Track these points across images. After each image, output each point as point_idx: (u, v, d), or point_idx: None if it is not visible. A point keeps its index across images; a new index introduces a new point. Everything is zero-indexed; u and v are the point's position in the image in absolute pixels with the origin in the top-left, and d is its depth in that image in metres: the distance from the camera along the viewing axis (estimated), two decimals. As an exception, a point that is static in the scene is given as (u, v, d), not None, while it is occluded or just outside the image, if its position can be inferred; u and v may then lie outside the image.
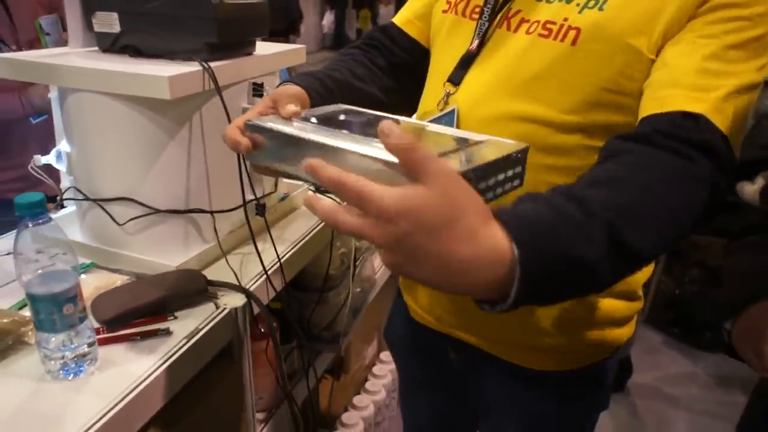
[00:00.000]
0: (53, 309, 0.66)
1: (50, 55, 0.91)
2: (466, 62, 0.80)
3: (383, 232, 0.44)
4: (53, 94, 0.97)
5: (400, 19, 0.95)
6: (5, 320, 0.73)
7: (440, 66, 0.85)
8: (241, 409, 0.92)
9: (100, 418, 0.64)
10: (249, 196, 0.91)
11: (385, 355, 1.96)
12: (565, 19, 0.71)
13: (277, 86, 0.78)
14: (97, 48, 0.97)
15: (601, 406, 0.95)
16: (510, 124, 0.74)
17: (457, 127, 0.77)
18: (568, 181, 0.62)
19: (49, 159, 0.96)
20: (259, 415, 1.09)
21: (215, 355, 0.84)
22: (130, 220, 0.90)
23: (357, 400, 1.74)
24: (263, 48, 1.04)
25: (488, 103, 0.76)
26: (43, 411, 0.65)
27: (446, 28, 0.85)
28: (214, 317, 0.83)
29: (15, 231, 1.02)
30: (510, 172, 0.56)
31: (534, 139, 0.70)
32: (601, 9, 0.69)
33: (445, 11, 0.86)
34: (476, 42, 0.79)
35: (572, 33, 0.70)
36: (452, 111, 0.79)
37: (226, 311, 0.84)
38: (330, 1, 8.18)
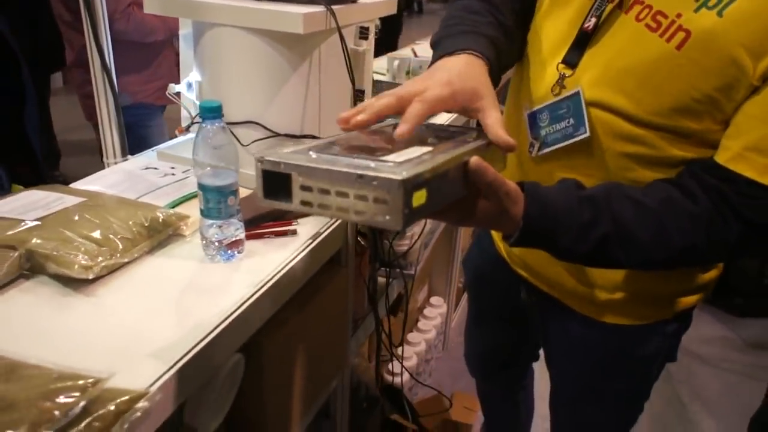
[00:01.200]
0: (220, 198, 0.79)
1: (190, -6, 1.04)
2: (582, 42, 0.75)
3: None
4: (183, 32, 1.10)
5: None
6: (168, 214, 0.88)
7: (546, 35, 0.82)
8: (344, 309, 1.06)
9: (257, 291, 0.78)
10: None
11: (435, 300, 2.10)
12: (678, 15, 0.67)
13: (444, 54, 0.70)
14: (223, -9, 1.09)
15: (665, 359, 0.98)
16: (592, 110, 0.75)
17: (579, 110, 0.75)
18: (640, 166, 0.75)
19: (181, 88, 1.09)
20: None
21: (327, 261, 0.98)
22: (253, 142, 1.04)
23: (410, 336, 1.90)
24: (364, -2, 1.16)
25: (587, 87, 0.75)
26: (211, 282, 0.80)
27: None
28: (331, 225, 0.96)
29: (149, 151, 1.17)
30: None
31: (611, 127, 0.74)
32: (719, 14, 0.64)
33: None
34: (593, 20, 0.74)
35: (680, 35, 0.66)
36: (577, 94, 0.75)
37: (338, 221, 0.98)
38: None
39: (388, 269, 1.34)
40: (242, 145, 1.04)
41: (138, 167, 1.08)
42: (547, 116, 0.80)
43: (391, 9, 1.25)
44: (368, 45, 1.11)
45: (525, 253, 0.96)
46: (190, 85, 1.09)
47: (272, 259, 0.86)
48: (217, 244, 0.83)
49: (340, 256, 1.02)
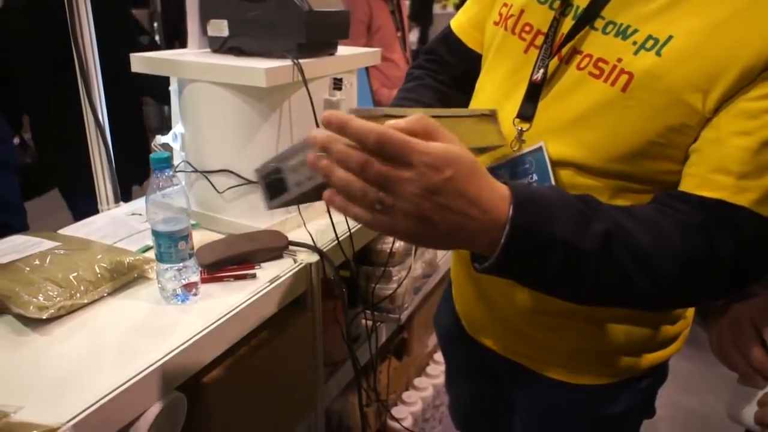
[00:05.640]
0: (171, 244, 0.84)
1: (174, 54, 1.12)
2: (534, 94, 0.75)
3: (425, 182, 0.50)
4: (173, 87, 1.18)
5: (456, 25, 0.94)
6: (135, 258, 0.93)
7: (490, 92, 0.83)
8: (311, 353, 1.07)
9: (201, 332, 0.81)
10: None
11: (447, 345, 2.07)
12: (619, 60, 0.67)
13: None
14: (209, 49, 1.17)
15: (640, 415, 0.94)
16: (554, 168, 0.73)
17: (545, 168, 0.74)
18: None
19: (167, 139, 1.17)
20: (325, 370, 1.24)
21: (291, 303, 1.00)
22: (228, 189, 1.09)
23: (417, 381, 1.87)
24: (344, 50, 1.21)
25: (546, 140, 0.74)
26: (161, 323, 0.83)
27: (496, 44, 0.82)
28: (292, 269, 0.99)
29: (141, 199, 1.23)
30: None
31: (573, 179, 0.72)
32: (658, 54, 0.65)
33: (496, 23, 0.83)
34: (541, 71, 0.74)
35: (624, 77, 0.66)
36: (540, 149, 0.74)
37: (302, 265, 1.00)
38: (415, 18, 8.39)
39: (373, 312, 1.35)
40: (218, 192, 1.10)
41: (125, 213, 1.16)
42: (508, 172, 0.78)
43: (374, 60, 1.30)
44: (343, 95, 1.16)
45: (483, 316, 0.94)
46: (175, 137, 1.16)
47: (226, 302, 0.89)
48: (171, 286, 0.87)
49: (305, 300, 1.04)
